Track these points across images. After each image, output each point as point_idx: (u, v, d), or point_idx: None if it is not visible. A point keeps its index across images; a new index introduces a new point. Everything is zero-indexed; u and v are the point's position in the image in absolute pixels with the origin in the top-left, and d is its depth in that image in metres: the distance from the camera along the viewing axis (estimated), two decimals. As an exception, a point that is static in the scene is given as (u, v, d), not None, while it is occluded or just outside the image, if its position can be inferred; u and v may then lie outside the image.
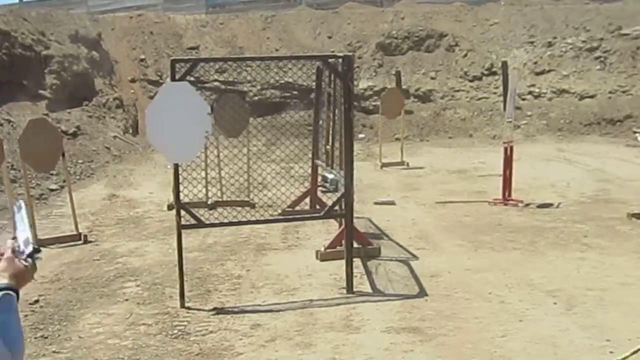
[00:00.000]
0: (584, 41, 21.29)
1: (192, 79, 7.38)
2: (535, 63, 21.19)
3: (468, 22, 22.91)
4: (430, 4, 24.25)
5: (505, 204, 11.62)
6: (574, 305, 6.66)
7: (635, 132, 18.73)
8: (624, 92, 19.93)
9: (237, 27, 22.93)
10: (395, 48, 22.14)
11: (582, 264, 8.09)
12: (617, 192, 12.40)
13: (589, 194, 12.42)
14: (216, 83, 20.05)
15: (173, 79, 7.04)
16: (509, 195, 11.79)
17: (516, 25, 22.47)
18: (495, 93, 20.61)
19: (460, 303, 6.86)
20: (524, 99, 20.26)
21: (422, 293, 7.19)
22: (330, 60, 8.40)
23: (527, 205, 11.56)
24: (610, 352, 5.44)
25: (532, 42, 21.77)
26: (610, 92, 20.11)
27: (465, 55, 21.77)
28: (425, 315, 6.53)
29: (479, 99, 20.77)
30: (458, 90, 21.06)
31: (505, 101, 16.71)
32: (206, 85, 18.61)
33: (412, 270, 7.97)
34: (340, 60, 7.66)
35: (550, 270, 7.83)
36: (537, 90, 20.58)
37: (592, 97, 20.14)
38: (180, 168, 7.13)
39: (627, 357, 5.32)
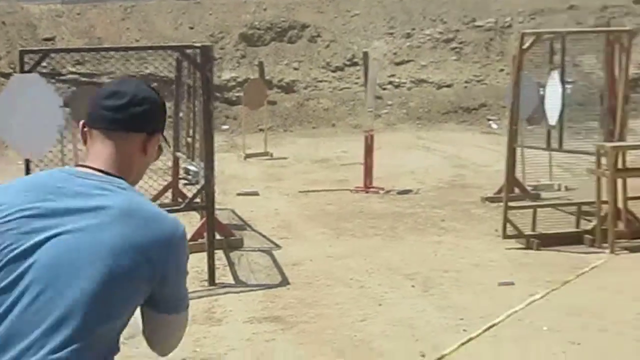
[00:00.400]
0: (440, 32, 21.98)
1: (45, 70, 7.12)
2: (395, 54, 21.69)
3: (330, 13, 23.17)
4: (292, -5, 24.36)
5: (367, 192, 11.85)
6: (431, 287, 6.87)
7: (489, 120, 19.54)
8: (478, 81, 20.73)
9: (95, 17, 22.27)
10: (258, 39, 22.13)
11: (439, 247, 8.37)
12: (472, 177, 12.90)
13: (446, 180, 12.86)
14: (74, 75, 19.41)
15: (22, 71, 6.77)
16: (370, 183, 12.04)
17: (376, 17, 22.92)
18: (357, 83, 20.95)
19: (322, 290, 6.95)
20: (384, 89, 20.70)
21: (285, 282, 7.24)
22: (188, 50, 8.29)
23: (387, 192, 11.84)
24: (464, 330, 5.65)
25: (391, 34, 22.27)
26: (466, 82, 20.87)
27: (328, 46, 22.03)
28: (287, 304, 6.57)
29: (342, 89, 21.08)
30: (321, 81, 21.29)
31: (367, 91, 17.01)
32: (62, 77, 17.99)
33: (274, 260, 8.00)
34: (197, 50, 7.57)
35: (409, 254, 8.05)
36: (397, 80, 21.09)
37: (449, 86, 20.84)
38: (32, 164, 6.87)
39: (479, 334, 5.54)
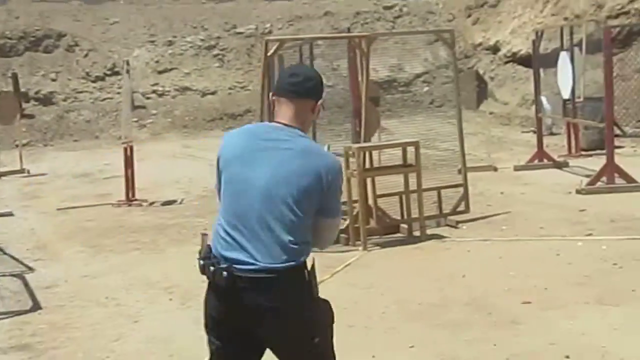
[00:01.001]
0: (202, 39, 21.98)
1: None
2: (157, 62, 21.41)
3: (87, 21, 22.45)
4: (45, 3, 23.31)
5: (129, 205, 11.57)
6: (189, 299, 6.78)
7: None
8: (242, 87, 20.95)
9: None
10: (11, 49, 21.01)
11: (199, 257, 8.30)
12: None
13: (211, 188, 12.71)
14: None
15: None
16: (133, 195, 11.77)
17: (136, 24, 22.51)
18: (119, 93, 20.38)
19: (76, 312, 6.66)
20: (148, 98, 20.39)
21: (36, 307, 6.85)
22: None
23: (151, 204, 11.63)
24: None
25: (153, 41, 21.96)
26: (230, 88, 21.02)
27: (87, 55, 21.33)
28: (37, 330, 6.23)
29: (103, 99, 20.49)
30: (81, 92, 20.57)
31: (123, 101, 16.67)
32: None
33: (26, 284, 7.56)
34: None
35: (169, 267, 7.92)
36: (160, 88, 20.83)
37: (213, 93, 20.89)
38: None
39: (233, 343, 5.53)
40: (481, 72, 21.20)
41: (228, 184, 3.25)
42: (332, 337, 3.40)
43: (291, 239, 3.15)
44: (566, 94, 12.57)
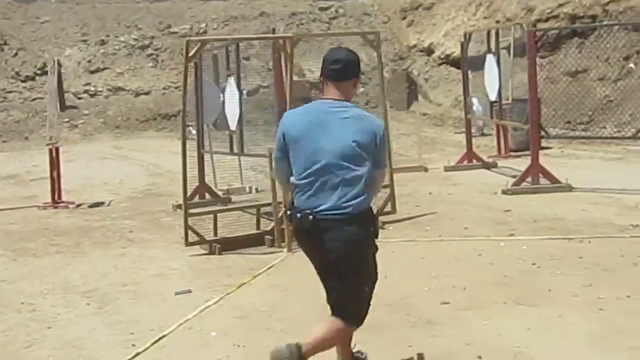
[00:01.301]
0: (136, 39, 21.68)
1: None
2: (89, 61, 21.05)
3: (17, 19, 21.98)
4: (-27, 0, 22.81)
5: (55, 207, 11.36)
6: (107, 303, 6.68)
7: (188, 126, 19.56)
8: (176, 87, 20.72)
9: None
10: (-63, 48, 20.44)
11: (122, 260, 8.18)
12: (167, 185, 12.85)
13: (141, 189, 12.70)
14: None
15: None
16: (59, 197, 11.55)
17: (68, 24, 22.12)
18: (50, 93, 20.08)
19: (-11, 318, 6.48)
20: (80, 98, 20.04)
21: (-53, 313, 6.64)
22: None
23: (78, 206, 11.44)
24: (133, 345, 5.53)
25: (85, 41, 21.59)
26: (164, 88, 20.79)
27: (16, 54, 20.87)
28: (-54, 337, 6.04)
29: (34, 99, 20.07)
30: (10, 92, 20.12)
31: (61, 101, 16.37)
32: None
33: (-61, 290, 7.34)
34: None
35: (90, 271, 7.78)
36: (93, 88, 20.49)
37: (147, 93, 20.64)
38: None
39: (147, 348, 5.45)
40: (416, 73, 21.36)
41: (302, 151, 4.15)
42: (372, 290, 4.42)
43: (358, 189, 4.11)
44: (492, 96, 12.73)
